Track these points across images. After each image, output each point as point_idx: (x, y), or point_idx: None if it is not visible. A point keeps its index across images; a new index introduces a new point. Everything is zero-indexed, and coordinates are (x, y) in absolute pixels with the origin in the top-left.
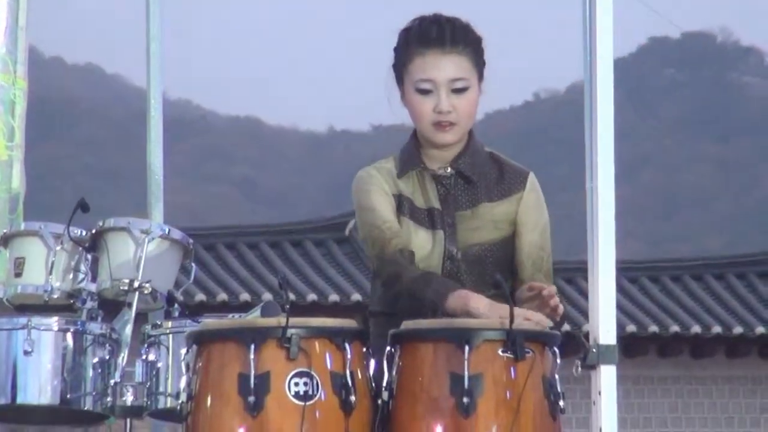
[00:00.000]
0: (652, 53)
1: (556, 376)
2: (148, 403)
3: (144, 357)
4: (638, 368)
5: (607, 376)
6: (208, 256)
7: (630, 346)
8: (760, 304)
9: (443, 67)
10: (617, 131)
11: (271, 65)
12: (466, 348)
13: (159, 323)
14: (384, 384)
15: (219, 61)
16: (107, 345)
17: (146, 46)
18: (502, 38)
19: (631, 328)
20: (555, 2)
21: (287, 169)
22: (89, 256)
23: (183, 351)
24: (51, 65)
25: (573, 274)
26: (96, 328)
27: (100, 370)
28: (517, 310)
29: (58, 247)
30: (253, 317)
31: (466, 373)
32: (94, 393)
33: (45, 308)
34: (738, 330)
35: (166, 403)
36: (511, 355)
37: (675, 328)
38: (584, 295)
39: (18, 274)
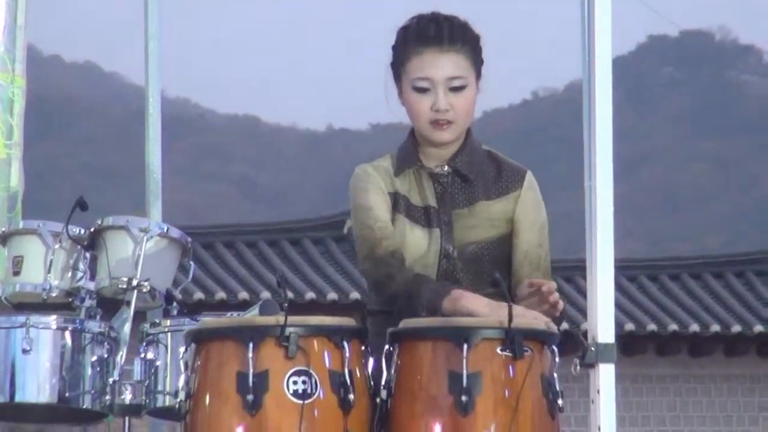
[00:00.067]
0: (650, 52)
1: (555, 375)
2: (147, 401)
3: (142, 355)
4: (637, 367)
5: (605, 374)
6: (206, 255)
7: (628, 345)
8: (758, 302)
9: (441, 65)
10: (616, 130)
11: (269, 64)
12: (465, 346)
13: (158, 322)
14: (383, 382)
15: (217, 60)
16: (106, 343)
17: (145, 44)
18: (500, 37)
19: (630, 326)
20: (553, 1)
21: (286, 168)
22: (88, 255)
23: (181, 349)
24: (49, 63)
25: (572, 273)
26: (94, 326)
27: (98, 369)
28: (516, 309)
29: (57, 246)
30: (252, 316)
31: (464, 371)
32: (92, 391)
33: (43, 306)
34: (736, 328)
35: (164, 401)
36: (510, 354)
37: (673, 326)
38: (583, 293)
39: (16, 273)
